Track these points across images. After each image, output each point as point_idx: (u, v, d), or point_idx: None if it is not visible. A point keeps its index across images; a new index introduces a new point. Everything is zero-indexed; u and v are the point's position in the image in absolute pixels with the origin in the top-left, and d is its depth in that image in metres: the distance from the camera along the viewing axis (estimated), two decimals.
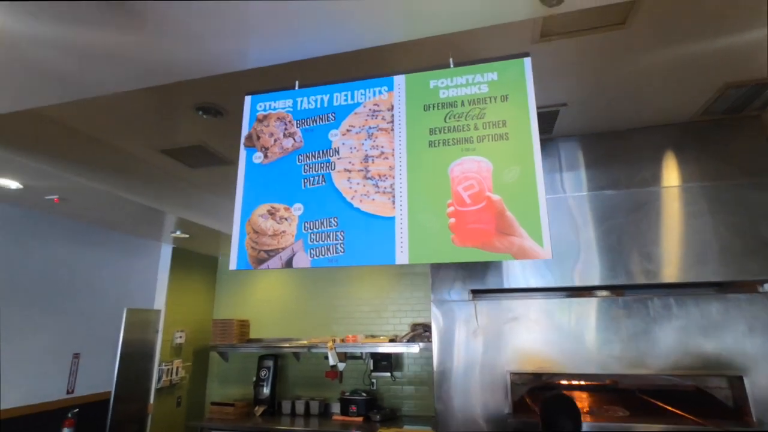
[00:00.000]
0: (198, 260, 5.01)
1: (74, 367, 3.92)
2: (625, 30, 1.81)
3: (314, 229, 1.39)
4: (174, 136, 2.79)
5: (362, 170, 1.41)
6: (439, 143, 1.38)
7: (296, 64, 1.71)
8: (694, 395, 2.91)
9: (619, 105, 2.54)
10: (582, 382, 3.34)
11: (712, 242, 2.69)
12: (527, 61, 1.38)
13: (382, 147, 1.42)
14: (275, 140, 1.51)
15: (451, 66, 1.45)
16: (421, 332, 4.36)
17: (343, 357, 4.46)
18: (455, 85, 1.42)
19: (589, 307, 2.89)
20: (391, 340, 4.39)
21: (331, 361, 4.33)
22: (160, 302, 4.51)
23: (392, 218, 1.34)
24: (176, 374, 4.50)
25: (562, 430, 1.69)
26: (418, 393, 4.41)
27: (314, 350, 4.43)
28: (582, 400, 3.11)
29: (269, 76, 2.03)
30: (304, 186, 1.45)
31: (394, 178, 1.38)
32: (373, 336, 4.67)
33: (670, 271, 2.75)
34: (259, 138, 1.53)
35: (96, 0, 1.23)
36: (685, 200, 2.81)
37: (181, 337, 4.63)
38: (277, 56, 1.56)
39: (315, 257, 1.36)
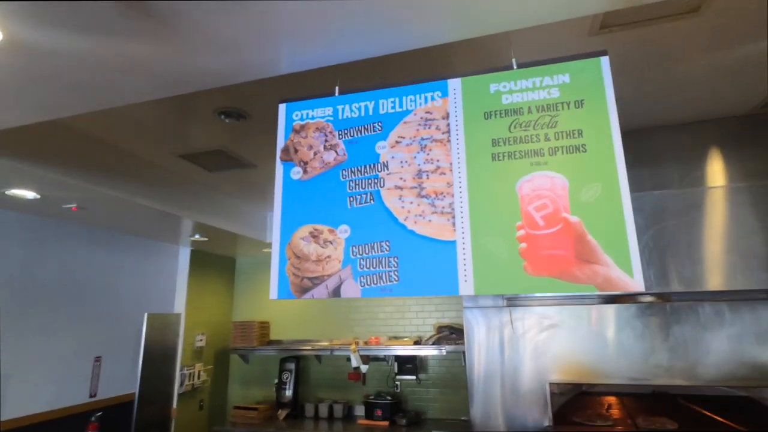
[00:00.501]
0: (216, 262, 4.92)
1: (96, 371, 3.89)
2: (697, 18, 1.62)
3: (363, 254, 1.25)
4: (194, 141, 2.66)
5: (415, 187, 1.26)
6: (503, 156, 1.22)
7: (330, 67, 1.55)
8: (746, 405, 2.75)
9: (675, 98, 2.34)
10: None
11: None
12: (605, 61, 1.21)
13: (438, 161, 1.27)
14: (315, 153, 1.37)
15: (514, 67, 1.28)
16: (447, 334, 4.23)
17: (367, 359, 4.36)
18: (520, 89, 1.26)
19: (633, 313, 2.73)
20: (416, 342, 4.27)
21: (354, 364, 4.24)
22: (180, 305, 4.44)
23: (453, 242, 1.19)
24: (198, 378, 4.44)
25: None
26: (444, 396, 4.30)
27: (337, 352, 4.33)
28: (626, 409, 2.96)
29: (299, 79, 1.88)
30: (350, 205, 1.30)
31: (452, 196, 1.22)
32: (396, 337, 4.56)
33: (716, 279, 2.57)
34: (296, 151, 1.38)
35: (121, 2, 1.08)
36: (746, 200, 2.61)
37: (201, 340, 4.56)
38: (315, 60, 1.40)
39: (366, 286, 1.22)
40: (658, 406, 2.90)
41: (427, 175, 1.26)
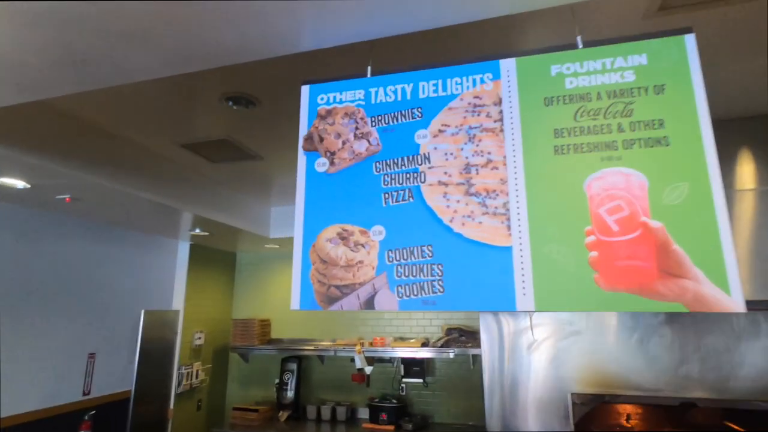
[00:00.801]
0: (216, 257, 4.74)
1: (90, 368, 3.73)
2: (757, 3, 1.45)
3: (401, 260, 1.08)
4: (197, 129, 2.47)
5: (463, 183, 1.09)
6: (568, 149, 1.04)
7: (356, 48, 1.37)
8: None
9: (726, 91, 2.16)
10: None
11: None
12: (690, 40, 1.03)
13: (489, 153, 1.09)
14: (344, 142, 1.19)
15: (579, 46, 1.11)
16: (456, 337, 4.08)
17: (371, 361, 4.20)
18: (587, 71, 1.08)
19: (662, 320, 2.58)
20: (423, 344, 4.11)
21: (359, 365, 4.08)
22: (178, 302, 4.27)
23: (508, 249, 1.02)
24: (196, 377, 4.27)
25: None
26: (451, 400, 4.15)
27: (341, 353, 4.17)
28: (651, 422, 2.81)
29: (319, 62, 1.69)
30: (385, 203, 1.13)
31: (507, 194, 1.05)
32: (402, 338, 4.40)
33: (746, 287, 2.41)
34: (322, 140, 1.21)
35: None
36: None
37: (200, 338, 4.39)
38: (342, 35, 1.22)
39: (404, 297, 1.05)
40: (685, 420, 2.75)
41: (477, 170, 1.09)
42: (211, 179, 3.41)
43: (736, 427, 2.68)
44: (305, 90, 1.29)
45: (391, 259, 1.08)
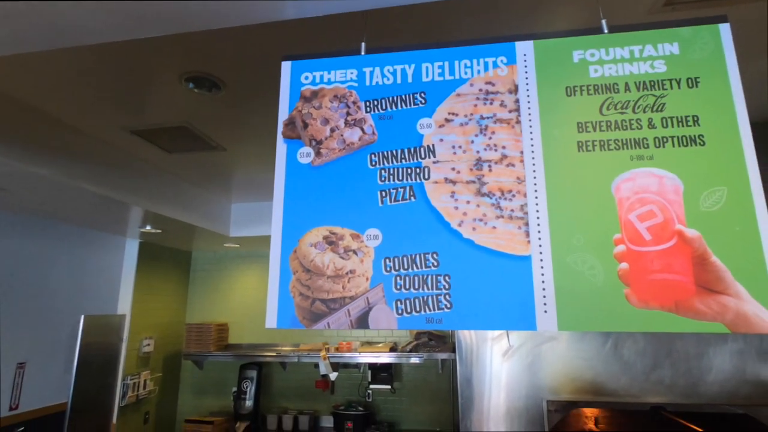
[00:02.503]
0: (168, 256, 4.37)
1: (18, 379, 3.31)
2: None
3: (401, 270, 0.91)
4: (150, 113, 2.19)
5: (473, 181, 0.94)
6: (594, 146, 0.92)
7: (346, 19, 1.20)
8: (742, 422, 2.67)
9: None
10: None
11: None
12: (725, 29, 0.94)
13: (504, 147, 0.95)
14: (332, 130, 1.01)
15: (605, 30, 0.99)
16: (426, 341, 3.96)
17: (337, 366, 4.01)
18: (613, 59, 0.97)
19: None
20: (392, 349, 3.97)
21: (323, 371, 3.88)
22: (124, 306, 3.88)
23: (527, 258, 0.88)
24: (144, 388, 3.91)
25: None
26: (419, 407, 4.04)
27: (304, 359, 3.95)
28: (622, 426, 2.81)
29: (300, 36, 1.49)
30: (382, 202, 0.96)
31: (525, 195, 0.91)
32: (370, 343, 4.23)
33: None
34: (306, 125, 1.02)
35: None
36: None
37: (149, 344, 4.02)
38: (331, 3, 1.04)
39: (404, 314, 0.89)
40: (654, 424, 2.77)
41: (490, 167, 0.94)
42: (165, 171, 3.09)
43: (699, 429, 2.73)
44: (286, 67, 1.09)
45: (388, 269, 0.92)
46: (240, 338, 4.43)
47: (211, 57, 1.68)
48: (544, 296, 0.86)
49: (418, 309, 0.89)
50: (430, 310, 0.88)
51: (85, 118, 2.22)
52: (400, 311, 0.89)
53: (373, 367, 4.01)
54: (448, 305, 0.88)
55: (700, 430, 2.64)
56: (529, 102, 0.97)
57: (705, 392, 2.44)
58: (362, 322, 0.90)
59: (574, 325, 0.84)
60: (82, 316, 3.45)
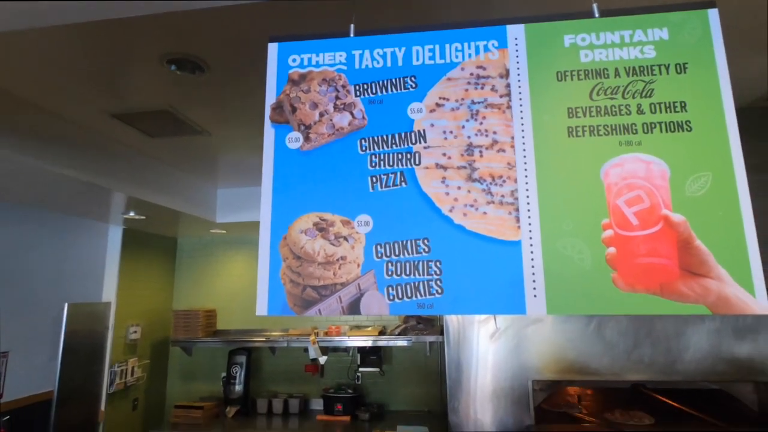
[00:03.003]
0: (154, 242, 4.31)
1: (2, 368, 3.27)
2: None
3: (392, 256, 0.91)
4: (131, 97, 2.12)
5: (464, 167, 0.94)
6: (584, 131, 0.92)
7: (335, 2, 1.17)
8: (717, 397, 2.79)
9: None
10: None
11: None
12: (713, 15, 0.94)
13: (495, 133, 0.95)
14: (321, 114, 0.99)
15: (596, 14, 0.98)
16: (414, 324, 4.01)
17: (326, 350, 4.05)
18: (604, 44, 0.96)
19: None
20: (381, 333, 4.01)
21: (312, 355, 3.91)
22: (109, 293, 3.83)
23: (517, 243, 0.89)
24: (131, 375, 3.89)
25: None
26: (408, 387, 4.12)
27: (294, 344, 3.97)
28: (604, 403, 2.91)
29: (285, 16, 1.45)
30: (373, 188, 0.95)
31: (515, 181, 0.91)
32: (358, 327, 4.27)
33: None
34: (295, 110, 1.00)
35: None
36: None
37: (135, 331, 3.99)
38: None
39: (395, 300, 0.90)
40: (634, 400, 2.88)
41: (480, 152, 0.94)
42: (148, 156, 3.02)
43: (677, 405, 2.84)
44: (273, 48, 1.06)
45: (380, 255, 0.92)
46: (228, 324, 4.42)
47: (194, 38, 1.63)
48: (534, 281, 0.87)
49: (409, 295, 0.89)
50: (421, 296, 0.89)
51: (63, 102, 2.14)
52: (391, 297, 0.90)
53: (362, 350, 4.05)
54: (439, 291, 0.89)
55: (676, 405, 2.75)
56: (520, 87, 0.96)
57: (683, 369, 2.53)
58: (354, 308, 0.90)
59: (563, 309, 0.86)
60: (66, 304, 3.40)
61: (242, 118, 2.39)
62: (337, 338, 3.93)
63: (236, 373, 4.12)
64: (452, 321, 2.78)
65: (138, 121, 2.39)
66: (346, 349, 4.20)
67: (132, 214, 3.35)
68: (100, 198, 2.89)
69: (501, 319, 2.70)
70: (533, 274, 0.87)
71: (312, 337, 3.91)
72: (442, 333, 3.54)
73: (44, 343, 3.38)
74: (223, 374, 4.16)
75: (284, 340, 3.99)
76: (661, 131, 0.90)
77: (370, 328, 4.17)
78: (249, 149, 2.90)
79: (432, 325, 3.99)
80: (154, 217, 3.49)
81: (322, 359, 3.93)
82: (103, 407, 3.67)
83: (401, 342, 3.83)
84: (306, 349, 3.98)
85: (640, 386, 2.85)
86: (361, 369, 4.06)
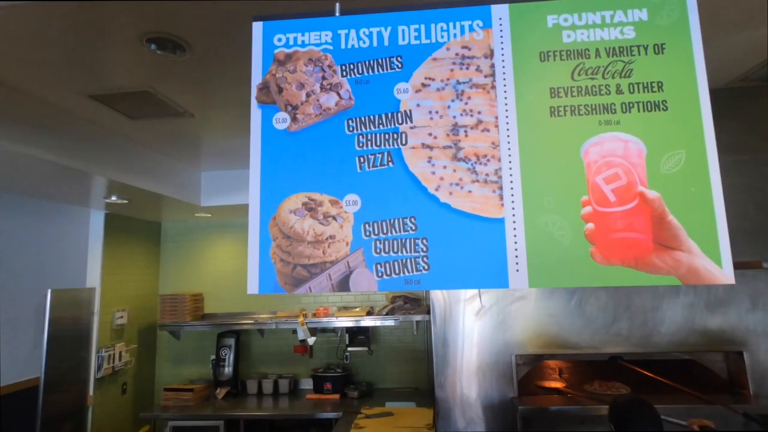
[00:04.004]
0: (137, 227, 4.25)
1: None
2: None
3: (380, 234, 0.94)
4: (110, 77, 2.07)
5: (450, 147, 0.96)
6: (565, 111, 0.95)
7: None
8: (689, 367, 2.93)
9: None
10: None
11: (741, 221, 2.55)
12: None
13: (479, 113, 0.97)
14: (308, 95, 0.99)
15: None
16: (401, 304, 4.08)
17: (314, 331, 4.10)
18: (585, 24, 0.98)
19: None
20: (368, 313, 4.07)
21: (301, 336, 3.95)
22: (93, 279, 3.78)
23: (500, 221, 0.92)
24: (119, 359, 3.89)
25: None
26: (395, 365, 4.21)
27: (282, 326, 4.01)
28: (583, 375, 3.03)
29: None
30: (360, 168, 0.97)
31: (499, 160, 0.94)
32: (347, 308, 4.33)
33: None
34: (281, 90, 1.00)
35: None
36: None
37: (122, 317, 3.97)
38: None
39: (384, 276, 0.92)
40: (613, 372, 3.01)
41: (465, 132, 0.96)
42: (129, 138, 2.96)
43: (652, 375, 2.98)
44: (257, 28, 1.05)
45: (368, 233, 0.94)
46: (216, 308, 4.43)
47: (175, 16, 1.59)
48: (516, 256, 0.90)
49: (397, 271, 0.92)
50: (408, 272, 0.92)
51: (39, 82, 2.07)
52: (380, 274, 0.92)
53: (350, 330, 4.11)
54: (426, 267, 0.92)
55: (652, 375, 2.88)
56: (504, 67, 0.98)
57: (658, 342, 2.65)
58: (343, 285, 0.93)
59: (544, 282, 0.90)
60: (49, 291, 3.35)
61: (226, 100, 2.35)
62: (325, 319, 3.98)
63: (225, 355, 4.15)
64: (438, 300, 2.84)
65: (118, 103, 2.33)
66: (335, 330, 4.25)
67: (114, 198, 3.29)
68: (80, 182, 2.83)
69: (486, 297, 2.77)
70: (516, 249, 0.91)
71: (300, 319, 3.95)
72: (428, 312, 3.61)
73: (29, 330, 3.35)
74: (212, 357, 4.19)
75: (273, 323, 4.02)
76: (638, 110, 0.93)
77: (358, 309, 4.23)
78: (233, 131, 2.86)
79: (419, 304, 4.06)
80: (136, 201, 3.44)
81: (311, 340, 3.98)
82: (91, 392, 3.67)
83: (389, 322, 3.90)
84: (294, 331, 4.02)
85: (617, 358, 2.97)
86: (349, 349, 4.13)
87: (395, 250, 0.93)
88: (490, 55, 0.99)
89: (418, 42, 1.01)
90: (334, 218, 0.94)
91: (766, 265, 2.63)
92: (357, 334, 4.12)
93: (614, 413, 1.66)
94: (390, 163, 0.96)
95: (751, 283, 2.63)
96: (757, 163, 2.59)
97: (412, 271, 0.92)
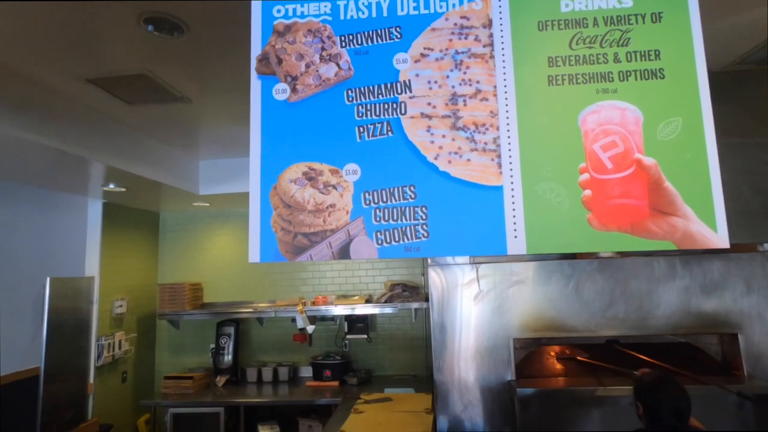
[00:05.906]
0: (135, 217, 4.25)
1: None
2: None
3: (380, 203, 0.95)
4: (106, 59, 2.06)
5: (449, 116, 0.96)
6: (563, 80, 0.96)
7: None
8: (684, 349, 2.96)
9: None
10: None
11: (737, 203, 2.57)
12: None
13: (478, 82, 0.97)
14: (308, 65, 1.00)
15: None
16: (399, 292, 4.10)
17: (314, 320, 4.12)
18: None
19: (596, 267, 2.75)
20: (367, 301, 4.10)
21: (300, 324, 3.97)
22: (92, 268, 3.78)
23: (498, 188, 0.93)
24: (119, 348, 3.90)
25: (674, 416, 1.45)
26: (394, 353, 4.24)
27: (281, 314, 4.03)
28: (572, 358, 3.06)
29: None
30: (360, 137, 0.97)
31: (498, 129, 0.95)
32: (345, 296, 4.35)
33: None
34: (281, 61, 1.00)
35: None
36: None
37: (121, 306, 3.98)
38: None
39: (384, 244, 0.93)
40: (609, 355, 3.04)
41: (464, 101, 0.97)
42: (126, 125, 2.95)
43: (647, 358, 3.02)
44: (256, 2, 1.05)
45: (368, 202, 0.95)
46: (215, 297, 4.44)
47: None
48: (515, 223, 0.92)
49: (397, 239, 0.93)
50: (408, 240, 0.93)
51: (35, 65, 2.06)
52: (380, 242, 0.94)
53: (349, 318, 4.13)
54: (425, 234, 0.93)
55: (647, 358, 2.92)
56: (502, 36, 0.98)
57: (654, 325, 2.68)
58: (344, 253, 0.94)
59: (542, 248, 0.91)
60: (48, 279, 3.35)
61: (224, 84, 2.34)
62: (324, 307, 4.00)
63: (225, 343, 4.17)
64: (436, 285, 2.86)
65: (114, 87, 2.32)
66: (334, 318, 4.27)
67: (112, 186, 3.28)
68: (77, 168, 2.82)
69: (484, 282, 2.79)
70: (514, 216, 0.92)
71: (300, 307, 3.97)
72: (426, 300, 3.64)
73: (28, 320, 3.35)
74: (212, 345, 4.21)
75: (272, 311, 4.04)
76: (636, 79, 0.94)
77: (356, 297, 4.25)
78: (231, 118, 2.85)
79: (417, 292, 4.08)
80: (134, 189, 3.44)
81: (310, 328, 4.00)
82: (91, 380, 3.69)
83: (387, 309, 3.93)
84: (294, 319, 4.04)
85: (613, 342, 3.00)
86: (348, 337, 4.15)
87: (395, 218, 0.94)
88: (489, 24, 0.99)
89: (416, 12, 1.01)
90: (334, 187, 0.95)
91: (761, 248, 2.65)
92: (356, 322, 4.15)
93: (641, 390, 1.60)
94: (389, 133, 0.97)
95: (746, 266, 2.65)
96: (754, 146, 2.60)
97: (412, 239, 0.93)
